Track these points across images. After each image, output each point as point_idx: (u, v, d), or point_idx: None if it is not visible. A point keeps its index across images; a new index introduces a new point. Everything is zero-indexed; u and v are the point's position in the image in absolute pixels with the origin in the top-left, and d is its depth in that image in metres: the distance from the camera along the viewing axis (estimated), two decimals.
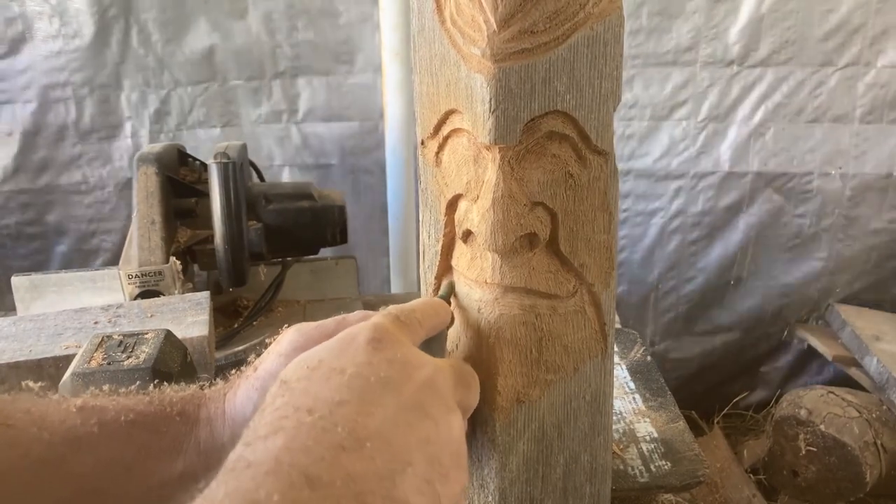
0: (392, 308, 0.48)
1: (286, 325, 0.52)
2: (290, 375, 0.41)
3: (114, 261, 1.71)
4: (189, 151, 1.70)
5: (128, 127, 1.67)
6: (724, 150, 1.71)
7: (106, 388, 0.49)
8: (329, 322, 0.51)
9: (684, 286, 1.89)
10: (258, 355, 0.52)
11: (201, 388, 0.51)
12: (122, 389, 0.49)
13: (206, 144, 1.71)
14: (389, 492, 0.36)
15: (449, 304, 0.57)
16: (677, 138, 1.72)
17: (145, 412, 0.47)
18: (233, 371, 0.53)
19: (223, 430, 0.49)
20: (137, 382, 0.51)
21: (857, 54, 1.59)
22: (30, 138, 1.63)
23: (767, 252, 1.81)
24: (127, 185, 1.69)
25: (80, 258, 1.76)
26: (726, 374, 2.01)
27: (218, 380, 0.53)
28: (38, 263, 1.75)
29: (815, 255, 1.79)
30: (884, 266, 1.78)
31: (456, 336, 0.58)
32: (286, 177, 1.77)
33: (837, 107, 1.63)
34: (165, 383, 0.51)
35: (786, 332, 1.91)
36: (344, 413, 0.38)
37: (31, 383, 0.50)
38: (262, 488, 0.32)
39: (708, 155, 1.72)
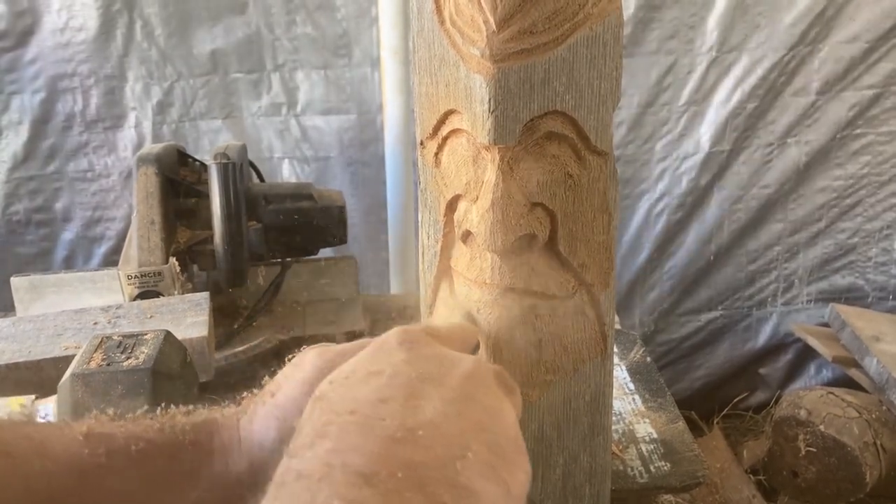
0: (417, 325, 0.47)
1: (303, 347, 0.50)
2: (324, 389, 0.39)
3: (116, 249, 1.74)
4: (191, 143, 1.72)
5: (132, 117, 1.70)
6: (704, 132, 1.81)
7: (111, 412, 0.46)
8: (352, 345, 0.48)
9: (670, 266, 1.95)
10: (271, 376, 0.49)
11: (212, 413, 0.48)
12: (129, 415, 0.47)
13: (207, 136, 1.74)
14: (453, 479, 0.33)
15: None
16: (660, 123, 1.81)
17: (156, 441, 0.45)
18: (244, 394, 0.50)
19: (239, 460, 0.46)
20: (145, 407, 0.48)
21: (815, 35, 1.72)
22: (39, 126, 1.68)
23: (739, 222, 1.91)
24: (131, 174, 1.71)
25: (86, 245, 1.78)
26: (718, 361, 2.06)
27: (229, 404, 0.50)
28: (45, 250, 1.78)
29: (775, 216, 1.91)
30: (833, 221, 1.93)
31: None
32: (286, 169, 1.79)
33: (798, 82, 1.77)
34: (174, 406, 0.48)
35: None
36: (389, 409, 0.36)
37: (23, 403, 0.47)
38: (318, 496, 0.30)
39: (689, 137, 1.82)
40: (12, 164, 1.69)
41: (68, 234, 1.77)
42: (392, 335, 0.43)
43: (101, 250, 1.79)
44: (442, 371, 0.40)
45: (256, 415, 0.47)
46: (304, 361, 0.48)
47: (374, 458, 0.32)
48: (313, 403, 0.38)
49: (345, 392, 0.38)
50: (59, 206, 1.75)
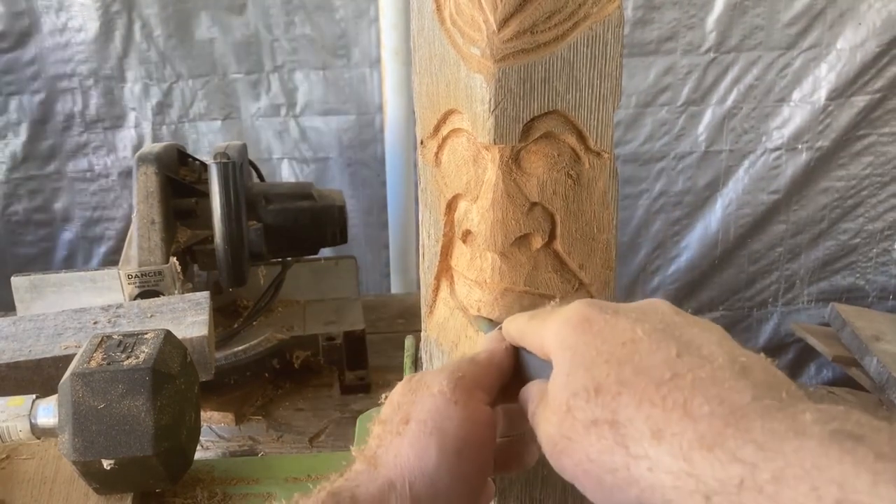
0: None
1: (382, 399, 0.45)
2: (607, 390, 0.36)
3: (116, 249, 1.74)
4: (190, 143, 1.73)
5: (132, 118, 1.71)
6: (701, 132, 1.82)
7: None
8: (472, 358, 0.45)
9: (670, 266, 1.96)
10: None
11: (336, 487, 0.41)
12: None
13: (207, 137, 1.75)
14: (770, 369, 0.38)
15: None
16: (659, 123, 1.81)
17: None
18: (345, 464, 0.43)
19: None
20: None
21: (818, 37, 1.72)
22: (37, 127, 1.68)
23: (743, 227, 1.91)
24: (130, 174, 1.72)
25: (85, 245, 1.79)
26: None
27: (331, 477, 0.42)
28: (45, 250, 1.79)
29: (777, 218, 1.91)
30: (835, 222, 1.93)
31: (456, 336, 0.58)
32: (285, 170, 1.79)
33: (804, 87, 1.77)
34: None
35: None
36: (695, 356, 0.36)
37: None
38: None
39: (687, 136, 1.83)
40: (11, 164, 1.69)
41: (68, 234, 1.78)
42: (573, 322, 0.39)
43: (102, 250, 1.79)
44: (656, 314, 0.39)
45: (400, 448, 0.41)
46: (426, 382, 0.44)
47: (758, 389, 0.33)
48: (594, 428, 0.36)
49: (637, 371, 0.35)
50: (58, 206, 1.75)
